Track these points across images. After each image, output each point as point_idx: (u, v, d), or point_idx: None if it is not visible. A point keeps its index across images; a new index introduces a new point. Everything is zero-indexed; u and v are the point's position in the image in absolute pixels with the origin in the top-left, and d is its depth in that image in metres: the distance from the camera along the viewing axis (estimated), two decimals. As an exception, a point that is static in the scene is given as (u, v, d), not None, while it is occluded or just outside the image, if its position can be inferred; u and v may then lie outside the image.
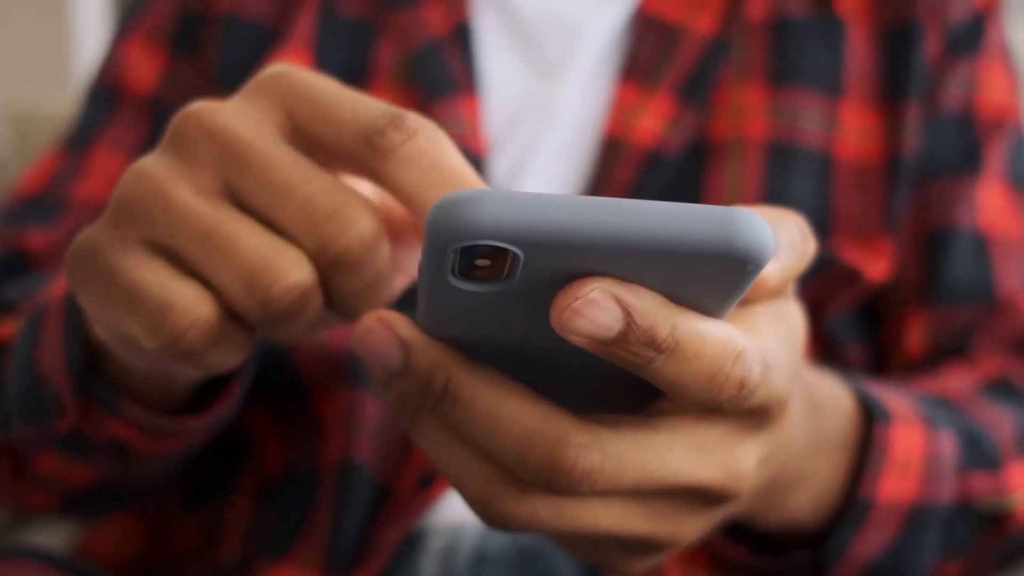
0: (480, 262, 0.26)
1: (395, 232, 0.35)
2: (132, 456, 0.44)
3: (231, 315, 0.32)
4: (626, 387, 0.32)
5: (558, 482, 0.29)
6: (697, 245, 0.25)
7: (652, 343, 0.27)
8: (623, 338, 0.26)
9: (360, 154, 0.31)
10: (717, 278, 0.26)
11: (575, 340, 0.26)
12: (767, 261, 0.25)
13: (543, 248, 0.25)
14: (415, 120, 0.31)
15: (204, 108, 0.31)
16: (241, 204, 0.31)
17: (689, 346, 0.27)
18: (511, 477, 0.31)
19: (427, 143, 0.31)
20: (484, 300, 0.27)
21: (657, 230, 0.25)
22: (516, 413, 0.29)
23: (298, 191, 0.30)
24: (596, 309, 0.26)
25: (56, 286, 0.43)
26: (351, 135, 0.31)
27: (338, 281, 0.31)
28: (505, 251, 0.25)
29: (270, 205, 0.30)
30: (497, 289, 0.27)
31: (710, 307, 0.28)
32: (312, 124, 0.32)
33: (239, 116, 0.31)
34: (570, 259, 0.25)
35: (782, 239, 0.31)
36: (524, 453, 0.29)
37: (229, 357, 0.32)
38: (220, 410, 0.43)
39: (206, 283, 0.31)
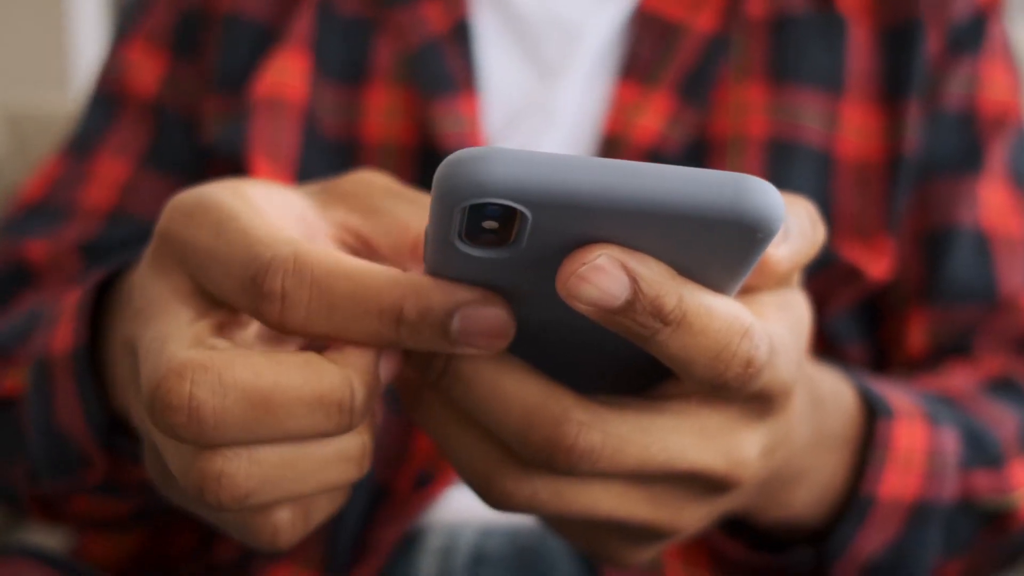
0: (487, 224, 0.25)
1: (367, 254, 0.34)
2: None
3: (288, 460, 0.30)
4: (631, 368, 0.31)
5: (558, 460, 0.29)
6: (707, 209, 0.24)
7: (658, 314, 0.26)
8: (629, 307, 0.26)
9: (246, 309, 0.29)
10: (726, 247, 0.26)
11: (580, 308, 0.26)
12: (776, 229, 0.25)
13: (552, 208, 0.24)
14: (276, 278, 0.28)
15: None
16: None
17: (696, 319, 0.27)
18: (512, 456, 0.30)
19: (308, 294, 0.28)
20: (491, 267, 0.27)
21: (667, 192, 0.24)
22: (517, 390, 0.29)
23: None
24: (602, 275, 0.26)
25: (54, 335, 0.43)
26: (242, 300, 0.29)
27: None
28: (512, 216, 0.25)
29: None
30: (504, 255, 0.26)
31: (719, 282, 0.27)
32: (210, 282, 0.30)
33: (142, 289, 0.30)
34: (578, 222, 0.25)
35: (791, 224, 0.31)
36: (525, 430, 0.29)
37: (324, 511, 0.31)
38: None
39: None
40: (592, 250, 0.26)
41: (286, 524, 0.30)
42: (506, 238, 0.26)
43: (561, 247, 0.26)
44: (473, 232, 0.26)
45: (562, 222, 0.25)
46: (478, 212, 0.25)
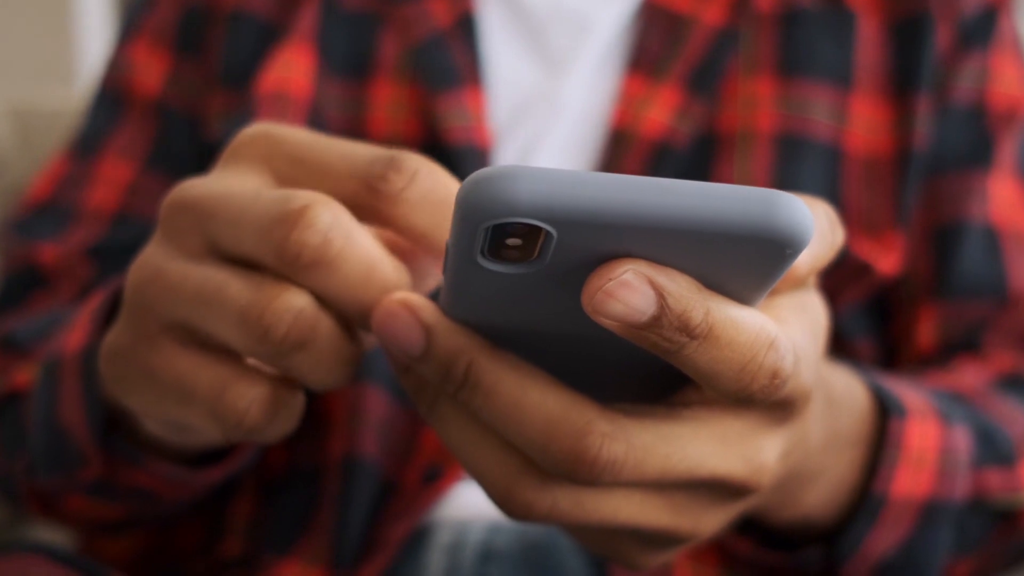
0: (511, 241, 0.25)
1: (403, 254, 0.35)
2: (157, 499, 0.45)
3: (282, 383, 0.31)
4: (651, 377, 0.31)
5: (581, 472, 0.29)
6: (737, 226, 0.24)
7: (685, 328, 0.26)
8: (656, 322, 0.26)
9: (364, 201, 0.31)
10: (753, 262, 0.25)
11: (606, 323, 0.26)
12: (806, 245, 0.25)
13: (578, 227, 0.24)
14: (413, 160, 0.31)
15: (181, 186, 0.32)
16: (225, 256, 0.31)
17: (723, 333, 0.26)
18: (532, 466, 0.30)
19: (431, 182, 0.31)
20: (512, 282, 0.26)
21: (696, 209, 0.24)
22: (539, 401, 0.29)
23: (247, 213, 0.30)
24: (629, 291, 0.25)
25: (69, 336, 0.44)
26: (351, 184, 0.31)
27: (324, 285, 0.30)
28: (537, 230, 0.25)
29: (237, 240, 0.30)
30: (527, 270, 0.26)
31: (743, 294, 0.27)
32: (304, 181, 0.31)
33: (213, 180, 0.31)
34: (604, 239, 0.25)
35: None
36: (547, 442, 0.29)
37: (287, 424, 0.32)
38: (241, 459, 0.44)
39: (221, 346, 0.31)
40: (618, 265, 0.25)
41: (258, 404, 0.31)
42: (529, 254, 0.25)
43: (586, 262, 0.26)
44: (496, 248, 0.25)
45: (587, 238, 0.25)
46: (501, 229, 0.25)
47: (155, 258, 0.32)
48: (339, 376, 0.31)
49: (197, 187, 0.31)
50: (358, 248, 0.29)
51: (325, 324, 0.30)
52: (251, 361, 0.32)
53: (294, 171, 0.31)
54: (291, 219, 0.29)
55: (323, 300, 0.30)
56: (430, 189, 0.31)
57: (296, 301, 0.29)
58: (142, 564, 0.54)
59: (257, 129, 0.32)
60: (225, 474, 0.44)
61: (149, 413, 0.33)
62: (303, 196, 0.29)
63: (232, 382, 0.31)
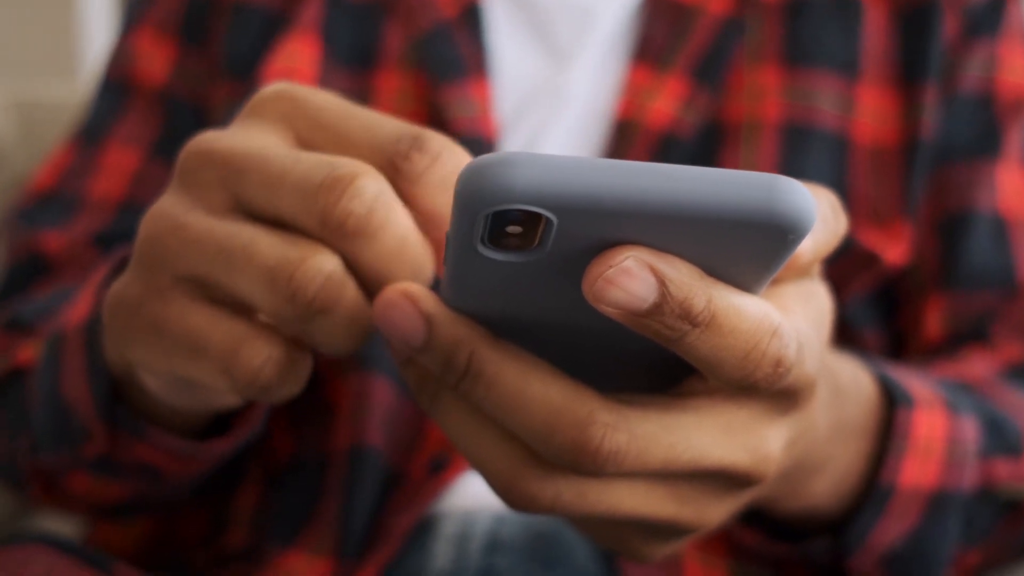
0: (511, 229, 0.25)
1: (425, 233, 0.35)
2: (161, 476, 0.44)
3: (295, 343, 0.31)
4: (654, 366, 0.31)
5: (583, 463, 0.28)
6: (738, 211, 0.24)
7: (687, 316, 0.26)
8: (657, 310, 0.25)
9: (385, 175, 0.31)
10: (755, 248, 0.25)
11: (607, 311, 0.25)
12: (808, 230, 0.25)
13: (578, 213, 0.24)
14: (437, 141, 0.31)
15: (202, 139, 0.32)
16: (252, 214, 0.31)
17: (725, 320, 0.26)
18: (534, 457, 0.30)
19: (453, 165, 0.31)
20: (513, 271, 0.26)
21: (697, 195, 0.24)
22: (541, 391, 0.29)
23: (288, 175, 0.30)
24: (630, 279, 0.25)
25: (74, 309, 0.43)
26: (374, 157, 0.31)
27: (359, 253, 0.30)
28: (537, 218, 0.24)
29: (271, 201, 0.30)
30: (527, 259, 0.26)
31: (746, 281, 0.27)
32: (324, 147, 0.32)
33: (237, 135, 0.31)
34: (604, 226, 0.25)
35: None
36: (549, 433, 0.29)
37: (296, 386, 0.32)
38: (247, 431, 0.43)
39: (239, 303, 0.31)
40: (619, 253, 0.25)
41: (273, 362, 0.31)
42: (530, 242, 0.25)
43: (586, 249, 0.26)
44: (496, 236, 0.25)
45: (587, 225, 0.25)
46: (501, 216, 0.24)
47: (173, 210, 0.31)
48: (351, 345, 0.31)
49: (221, 140, 0.31)
50: (396, 222, 0.30)
51: (350, 291, 0.30)
52: (262, 318, 0.32)
53: (315, 135, 0.32)
54: (340, 186, 0.29)
55: (351, 269, 0.30)
56: (452, 172, 0.31)
57: (327, 264, 0.29)
58: (146, 555, 0.54)
59: (279, 87, 0.32)
60: (230, 447, 0.43)
61: (154, 368, 0.33)
62: (351, 164, 0.29)
63: (247, 339, 0.31)
